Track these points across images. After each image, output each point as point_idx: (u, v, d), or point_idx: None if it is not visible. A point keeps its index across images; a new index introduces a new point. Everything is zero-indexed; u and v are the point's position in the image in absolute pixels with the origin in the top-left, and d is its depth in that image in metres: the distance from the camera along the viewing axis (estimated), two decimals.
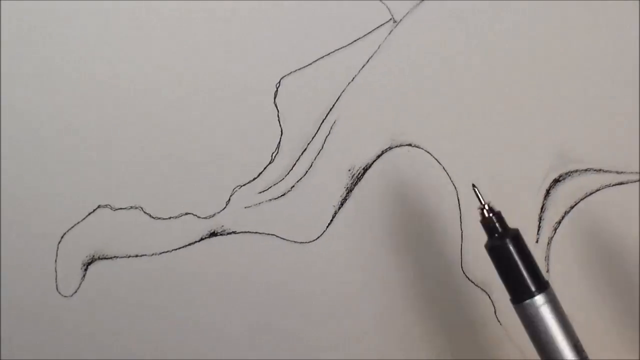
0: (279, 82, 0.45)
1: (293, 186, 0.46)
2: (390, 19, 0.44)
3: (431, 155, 0.45)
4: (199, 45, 0.44)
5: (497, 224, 0.37)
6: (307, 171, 0.46)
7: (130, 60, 0.43)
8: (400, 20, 0.44)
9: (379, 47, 0.44)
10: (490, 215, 0.37)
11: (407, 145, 0.45)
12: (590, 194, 0.45)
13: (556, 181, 0.45)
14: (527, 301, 0.37)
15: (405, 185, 0.45)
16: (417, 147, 0.45)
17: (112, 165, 0.45)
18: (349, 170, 0.45)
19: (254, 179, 0.46)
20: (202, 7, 0.43)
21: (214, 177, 0.45)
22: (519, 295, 0.37)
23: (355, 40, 0.44)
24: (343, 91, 0.45)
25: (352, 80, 0.45)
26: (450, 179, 0.45)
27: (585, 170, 0.44)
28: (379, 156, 0.45)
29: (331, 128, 0.45)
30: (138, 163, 0.45)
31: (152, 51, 0.43)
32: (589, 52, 0.44)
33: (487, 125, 0.44)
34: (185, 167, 0.45)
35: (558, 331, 0.37)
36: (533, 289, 0.37)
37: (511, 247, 0.37)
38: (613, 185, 0.45)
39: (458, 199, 0.45)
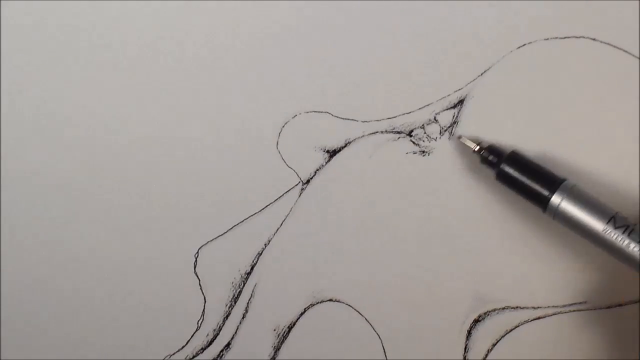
0: (197, 252, 0.46)
1: (222, 350, 0.46)
2: (299, 181, 0.45)
3: (352, 307, 0.46)
4: (119, 231, 0.45)
5: (490, 156, 0.42)
6: (233, 335, 0.46)
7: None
8: (308, 181, 0.45)
9: (290, 210, 0.45)
10: (482, 152, 0.42)
11: (328, 300, 0.46)
12: (510, 330, 0.46)
13: (476, 321, 0.46)
14: (548, 206, 0.40)
15: (331, 338, 0.46)
16: (337, 301, 0.46)
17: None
18: (274, 330, 0.46)
19: (182, 347, 0.46)
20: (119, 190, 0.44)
21: (145, 349, 0.46)
22: (541, 204, 0.40)
23: (266, 206, 0.45)
24: (260, 255, 0.46)
25: (268, 243, 0.46)
26: (373, 328, 0.46)
27: (503, 308, 0.46)
28: (302, 313, 0.46)
29: (253, 291, 0.46)
30: (76, 348, 0.46)
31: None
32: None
33: (405, 274, 0.45)
34: (114, 343, 0.46)
35: (588, 216, 0.39)
36: (546, 192, 0.40)
37: (509, 169, 0.41)
38: (531, 320, 0.46)
39: (383, 347, 0.46)
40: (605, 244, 0.39)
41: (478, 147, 0.42)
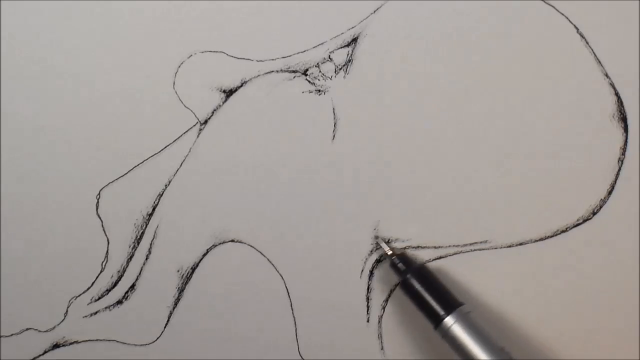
0: (99, 193, 0.46)
1: (127, 291, 0.47)
2: (197, 122, 0.45)
3: (254, 248, 0.46)
4: (19, 169, 0.45)
5: (399, 264, 0.43)
6: (137, 276, 0.47)
7: None
8: (206, 121, 0.45)
9: (189, 150, 0.46)
10: (393, 257, 0.43)
11: (230, 241, 0.46)
12: None
13: (378, 262, 0.46)
14: (440, 325, 0.41)
15: (234, 279, 0.47)
16: (239, 242, 0.46)
17: None
18: (178, 271, 0.47)
19: (88, 289, 0.47)
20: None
21: (50, 291, 0.47)
22: (434, 321, 0.41)
23: (165, 147, 0.45)
24: (161, 195, 0.46)
25: (168, 184, 0.46)
26: (275, 269, 0.46)
27: (405, 248, 0.45)
28: (204, 254, 0.46)
29: (155, 232, 0.46)
30: None
31: None
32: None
33: (305, 214, 0.45)
34: (20, 284, 0.46)
35: (474, 345, 0.40)
36: (441, 312, 0.41)
37: (413, 281, 0.43)
38: (432, 260, 0.45)
39: (286, 287, 0.46)
40: None
41: (391, 252, 0.44)
